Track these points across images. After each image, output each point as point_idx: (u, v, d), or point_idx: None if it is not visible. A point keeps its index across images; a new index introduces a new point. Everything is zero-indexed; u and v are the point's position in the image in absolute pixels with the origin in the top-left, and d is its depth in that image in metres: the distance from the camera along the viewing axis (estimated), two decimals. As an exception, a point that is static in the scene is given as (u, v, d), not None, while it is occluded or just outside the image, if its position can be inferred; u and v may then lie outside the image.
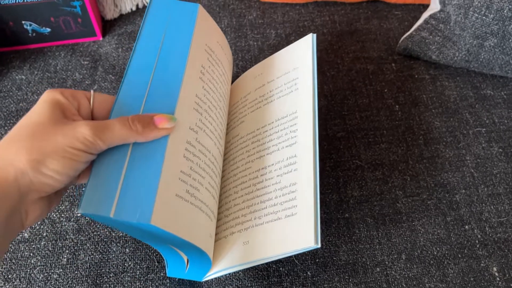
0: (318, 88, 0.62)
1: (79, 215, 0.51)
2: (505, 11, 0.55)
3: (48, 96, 0.34)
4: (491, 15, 0.56)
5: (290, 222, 0.39)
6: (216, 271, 0.43)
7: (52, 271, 0.47)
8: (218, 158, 0.44)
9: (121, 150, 0.34)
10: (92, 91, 0.37)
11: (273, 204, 0.41)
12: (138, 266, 0.48)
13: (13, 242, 0.49)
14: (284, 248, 0.38)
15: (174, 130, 0.37)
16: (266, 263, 0.48)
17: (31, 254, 0.48)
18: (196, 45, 0.44)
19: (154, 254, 0.48)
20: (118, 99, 0.38)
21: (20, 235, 0.49)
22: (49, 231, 0.50)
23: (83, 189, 0.34)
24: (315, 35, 0.49)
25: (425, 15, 0.66)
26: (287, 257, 0.48)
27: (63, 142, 0.31)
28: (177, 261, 0.43)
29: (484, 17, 0.57)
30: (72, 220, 0.50)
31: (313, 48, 0.48)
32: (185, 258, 0.42)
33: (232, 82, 0.57)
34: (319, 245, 0.37)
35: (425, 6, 0.73)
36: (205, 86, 0.43)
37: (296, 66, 0.48)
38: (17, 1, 0.62)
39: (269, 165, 0.44)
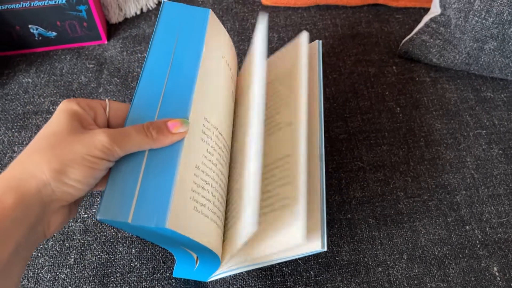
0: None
1: (85, 216, 0.52)
2: (504, 15, 0.56)
3: (65, 107, 0.34)
4: (491, 19, 0.57)
5: (292, 224, 0.39)
6: (221, 272, 0.44)
7: (60, 271, 0.48)
8: (227, 159, 0.45)
9: (137, 157, 0.35)
10: (107, 100, 0.38)
11: (272, 206, 0.41)
12: (144, 266, 0.48)
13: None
14: (282, 248, 0.39)
15: (188, 134, 0.37)
16: (270, 263, 0.48)
17: (39, 254, 0.49)
18: (208, 50, 0.44)
19: (160, 255, 0.49)
20: (132, 106, 0.38)
21: (28, 236, 0.50)
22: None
23: (100, 196, 0.35)
24: (320, 41, 0.50)
25: (426, 18, 0.67)
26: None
27: (82, 151, 0.32)
28: (188, 261, 0.43)
29: (484, 21, 0.58)
30: (79, 221, 0.51)
31: (320, 52, 0.49)
32: (195, 257, 0.43)
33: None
34: (325, 249, 0.37)
35: (426, 10, 0.74)
36: (216, 92, 0.44)
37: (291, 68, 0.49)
38: (23, 6, 0.63)
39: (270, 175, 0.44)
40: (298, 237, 0.35)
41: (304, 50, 0.47)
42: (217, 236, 0.40)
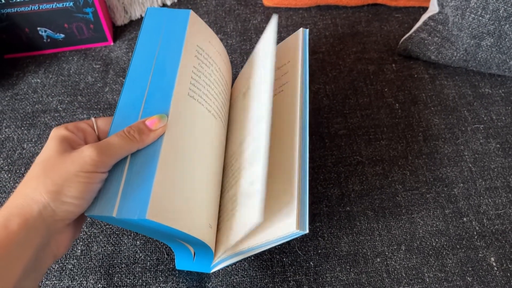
0: (321, 88, 0.65)
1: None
2: (500, 12, 0.57)
3: (54, 134, 0.36)
4: (487, 16, 0.58)
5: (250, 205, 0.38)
6: (220, 261, 0.45)
7: (67, 261, 0.49)
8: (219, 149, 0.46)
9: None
10: (92, 118, 0.40)
11: (236, 191, 0.41)
12: (149, 258, 0.50)
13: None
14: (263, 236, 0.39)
15: (167, 128, 0.39)
16: (270, 254, 0.50)
17: (47, 246, 0.51)
18: (188, 47, 0.45)
19: (164, 247, 0.51)
20: (116, 113, 0.40)
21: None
22: (64, 224, 0.52)
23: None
24: (307, 30, 0.50)
25: (424, 17, 0.68)
26: (290, 248, 0.50)
27: (74, 168, 0.33)
28: (185, 254, 0.45)
29: (480, 18, 0.59)
30: (85, 214, 0.53)
31: (305, 43, 0.49)
32: (192, 250, 0.44)
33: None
34: (306, 231, 0.36)
35: (425, 9, 0.75)
36: (197, 85, 0.45)
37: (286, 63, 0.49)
38: (32, 9, 0.65)
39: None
40: (255, 216, 0.34)
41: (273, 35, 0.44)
42: (206, 224, 0.41)
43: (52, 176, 0.33)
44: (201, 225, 0.40)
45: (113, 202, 0.35)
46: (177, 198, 0.38)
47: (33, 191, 0.32)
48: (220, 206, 0.46)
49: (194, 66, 0.46)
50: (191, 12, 0.48)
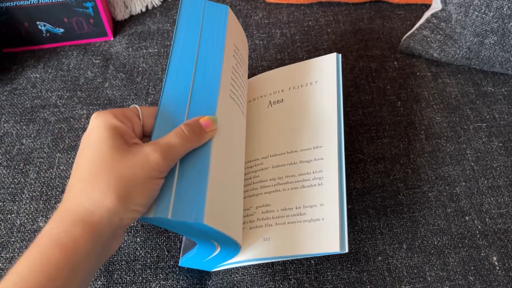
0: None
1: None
2: (504, 9, 0.57)
3: (103, 122, 0.33)
4: (491, 13, 0.58)
5: (316, 226, 0.41)
6: (228, 263, 0.45)
7: (66, 258, 0.49)
8: (243, 152, 0.46)
9: None
10: (137, 107, 0.38)
11: (300, 207, 0.43)
12: (149, 255, 0.49)
13: (32, 233, 0.51)
14: (308, 249, 0.40)
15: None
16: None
17: (46, 242, 0.50)
18: (228, 45, 0.45)
19: (164, 244, 0.50)
20: (161, 105, 0.39)
21: (36, 225, 0.51)
22: (63, 221, 0.52)
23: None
24: (339, 55, 0.51)
25: (427, 14, 0.67)
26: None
27: (143, 175, 0.31)
28: (208, 251, 0.44)
29: (484, 15, 0.59)
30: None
31: (338, 68, 0.50)
32: (217, 246, 0.43)
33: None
34: (346, 250, 0.39)
35: (427, 6, 0.75)
36: (235, 86, 0.45)
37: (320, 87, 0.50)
38: (31, 3, 0.64)
39: (299, 174, 0.45)
40: (334, 244, 0.40)
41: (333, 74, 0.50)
42: (241, 228, 0.42)
43: (121, 181, 0.31)
44: (240, 229, 0.41)
45: (167, 204, 0.34)
46: (227, 202, 0.38)
47: (102, 196, 0.30)
48: None
49: (233, 66, 0.45)
50: (229, 8, 0.48)
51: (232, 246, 0.41)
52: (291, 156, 0.46)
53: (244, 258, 0.43)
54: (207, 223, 0.34)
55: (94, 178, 0.31)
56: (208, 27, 0.45)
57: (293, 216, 0.43)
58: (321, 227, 0.41)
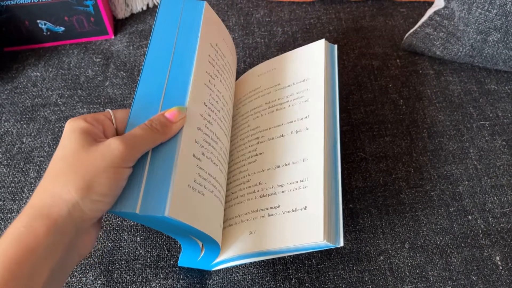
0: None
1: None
2: (508, 6, 0.56)
3: (73, 126, 0.34)
4: (494, 10, 0.57)
5: (300, 216, 0.40)
6: (224, 261, 0.44)
7: (66, 257, 0.49)
8: (226, 145, 0.45)
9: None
10: (110, 110, 0.38)
11: (284, 198, 0.42)
12: (149, 254, 0.49)
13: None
14: (292, 240, 0.39)
15: (185, 124, 0.38)
16: (272, 251, 0.49)
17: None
18: (203, 42, 0.45)
19: (164, 243, 0.50)
20: (134, 104, 0.39)
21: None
22: (63, 220, 0.52)
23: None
24: (335, 46, 0.50)
25: (430, 11, 0.67)
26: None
27: (103, 163, 0.32)
28: (193, 250, 0.44)
29: (487, 13, 0.58)
30: (85, 209, 0.52)
31: (332, 57, 0.50)
32: (201, 246, 0.43)
33: (237, 77, 0.59)
34: (341, 244, 0.38)
35: (430, 3, 0.74)
36: (211, 80, 0.45)
37: (307, 75, 0.49)
38: (32, 1, 0.64)
39: (282, 164, 0.45)
40: (318, 235, 0.38)
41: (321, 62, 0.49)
42: (218, 223, 0.41)
43: (80, 172, 0.31)
44: (215, 224, 0.40)
45: (136, 199, 0.34)
46: (196, 195, 0.37)
47: (61, 189, 0.31)
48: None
49: (208, 60, 0.45)
50: (206, 3, 0.48)
51: (210, 243, 0.41)
52: (274, 142, 0.46)
53: (233, 254, 0.43)
54: (172, 216, 0.33)
55: (56, 174, 0.32)
56: (185, 24, 0.45)
57: (276, 208, 0.42)
58: (305, 216, 0.40)
